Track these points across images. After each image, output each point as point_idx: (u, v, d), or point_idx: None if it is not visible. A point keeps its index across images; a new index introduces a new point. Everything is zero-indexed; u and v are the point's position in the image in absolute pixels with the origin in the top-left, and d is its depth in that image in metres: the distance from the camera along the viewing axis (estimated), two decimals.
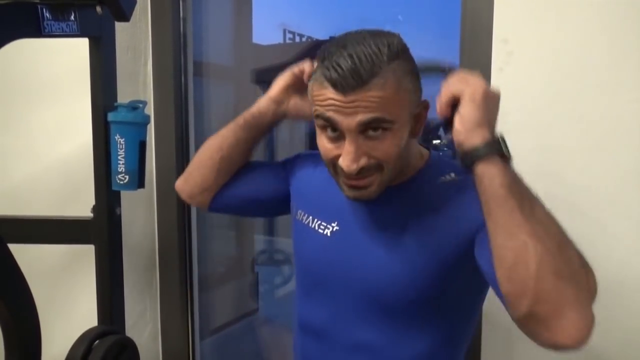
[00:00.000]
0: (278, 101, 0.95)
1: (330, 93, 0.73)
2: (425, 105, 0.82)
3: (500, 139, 0.68)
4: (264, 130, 0.99)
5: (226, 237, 2.03)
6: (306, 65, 0.92)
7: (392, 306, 0.82)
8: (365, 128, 0.73)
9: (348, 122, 0.72)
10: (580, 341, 0.59)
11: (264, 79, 1.98)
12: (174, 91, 1.61)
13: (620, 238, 1.01)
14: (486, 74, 1.08)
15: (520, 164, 1.06)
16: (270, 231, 2.53)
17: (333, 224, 0.88)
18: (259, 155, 2.13)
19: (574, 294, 0.59)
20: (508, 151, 0.68)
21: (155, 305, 1.70)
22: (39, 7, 1.01)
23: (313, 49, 0.87)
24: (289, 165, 1.02)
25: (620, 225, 1.01)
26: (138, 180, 1.24)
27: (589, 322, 0.59)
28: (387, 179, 0.78)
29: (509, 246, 0.62)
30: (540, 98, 1.04)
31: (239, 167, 1.00)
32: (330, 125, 0.75)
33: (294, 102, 0.95)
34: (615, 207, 1.01)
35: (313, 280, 0.91)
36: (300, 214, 0.94)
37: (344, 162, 0.74)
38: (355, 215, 0.87)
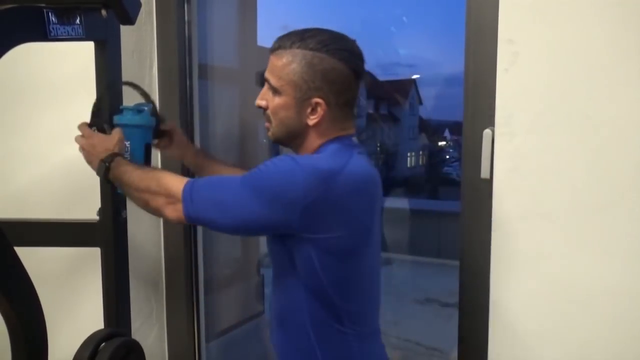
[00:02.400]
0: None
1: None
2: (321, 104, 0.98)
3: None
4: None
5: (232, 239, 2.03)
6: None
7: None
8: (268, 84, 1.00)
9: (265, 74, 1.01)
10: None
11: None
12: (179, 94, 1.62)
13: (625, 238, 1.00)
14: (491, 75, 1.08)
15: (526, 163, 1.06)
16: None
17: None
18: (265, 155, 2.13)
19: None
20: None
21: (161, 307, 1.70)
22: (44, 11, 1.01)
23: None
24: None
25: (625, 226, 1.00)
26: None
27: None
28: (276, 132, 1.03)
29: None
30: (546, 98, 1.04)
31: None
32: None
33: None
34: (620, 208, 1.00)
35: None
36: None
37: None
38: None
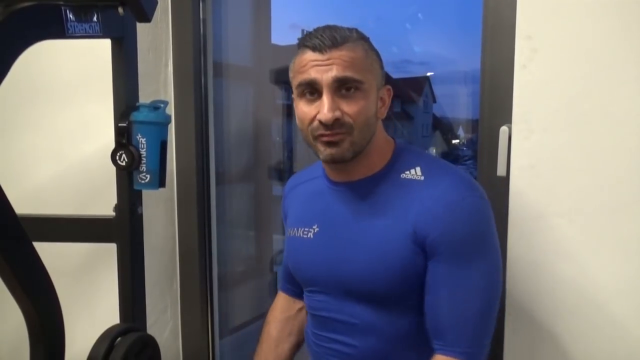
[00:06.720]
0: None
1: (310, 55, 0.85)
2: (389, 91, 0.93)
3: None
4: None
5: (245, 236, 2.04)
6: None
7: (366, 296, 0.91)
8: (339, 85, 0.84)
9: (326, 77, 0.83)
10: None
11: (283, 80, 1.98)
12: (194, 91, 1.63)
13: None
14: (509, 71, 1.07)
15: (544, 161, 1.05)
16: None
17: (314, 227, 0.98)
18: (278, 153, 2.13)
19: None
20: None
21: (176, 303, 1.71)
22: (62, 8, 1.02)
23: None
24: (284, 210, 1.12)
25: None
26: (159, 179, 1.25)
27: None
28: (357, 141, 0.87)
29: None
30: (565, 95, 1.02)
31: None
32: (309, 87, 0.85)
33: None
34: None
35: (305, 277, 1.02)
36: (290, 231, 1.04)
37: (322, 112, 0.83)
38: (333, 215, 0.95)
